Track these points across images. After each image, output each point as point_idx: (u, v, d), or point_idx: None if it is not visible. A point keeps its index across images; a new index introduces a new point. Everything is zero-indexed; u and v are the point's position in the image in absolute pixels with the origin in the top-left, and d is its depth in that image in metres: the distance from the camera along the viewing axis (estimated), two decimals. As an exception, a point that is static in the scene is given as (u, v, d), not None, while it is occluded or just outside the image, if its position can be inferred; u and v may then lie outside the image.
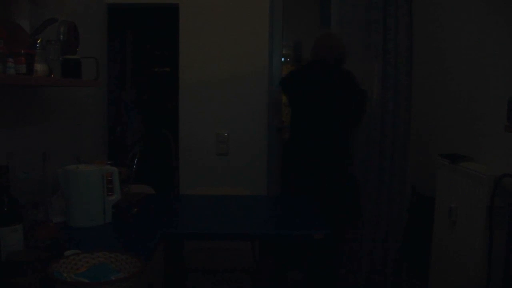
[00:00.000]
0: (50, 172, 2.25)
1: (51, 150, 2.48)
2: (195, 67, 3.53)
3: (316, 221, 2.40)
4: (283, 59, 3.90)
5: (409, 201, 3.49)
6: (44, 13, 2.35)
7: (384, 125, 3.66)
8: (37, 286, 1.46)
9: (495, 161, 2.46)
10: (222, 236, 2.40)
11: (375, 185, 3.70)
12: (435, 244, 2.90)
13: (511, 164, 2.27)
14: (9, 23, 1.91)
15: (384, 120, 3.65)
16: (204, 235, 2.36)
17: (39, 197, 2.23)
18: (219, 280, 3.45)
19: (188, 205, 2.83)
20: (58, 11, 2.52)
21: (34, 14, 2.25)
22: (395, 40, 3.62)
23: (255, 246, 3.04)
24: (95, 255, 1.62)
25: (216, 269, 3.06)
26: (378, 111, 3.64)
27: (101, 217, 2.20)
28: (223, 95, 3.56)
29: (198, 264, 3.02)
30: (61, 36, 2.41)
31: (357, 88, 3.35)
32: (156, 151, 4.33)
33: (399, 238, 3.66)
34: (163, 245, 2.63)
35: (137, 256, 1.61)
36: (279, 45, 3.66)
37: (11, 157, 1.97)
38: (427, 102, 3.46)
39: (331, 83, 3.25)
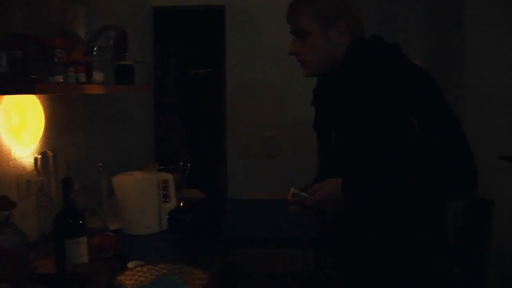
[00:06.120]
0: (103, 179, 2.24)
1: (104, 157, 2.48)
2: (243, 69, 3.49)
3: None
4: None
5: (464, 203, 3.37)
6: (93, 19, 2.35)
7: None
8: (104, 299, 1.44)
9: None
10: (278, 243, 2.35)
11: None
12: (494, 248, 2.80)
13: None
14: (66, 32, 1.90)
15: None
16: (260, 243, 2.32)
17: (94, 205, 2.24)
18: (269, 285, 3.40)
19: (239, 210, 2.79)
20: (107, 17, 2.51)
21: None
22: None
23: (308, 251, 2.97)
24: (159, 266, 1.60)
25: (266, 274, 3.02)
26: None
27: (157, 225, 2.18)
28: (271, 97, 3.51)
29: (249, 269, 2.99)
30: (111, 42, 2.40)
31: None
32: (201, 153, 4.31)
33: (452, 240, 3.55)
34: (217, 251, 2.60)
35: (200, 267, 1.58)
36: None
37: (69, 166, 1.97)
38: (480, 103, 3.36)
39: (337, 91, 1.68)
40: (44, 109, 2.02)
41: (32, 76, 1.46)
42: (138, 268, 1.57)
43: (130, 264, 1.64)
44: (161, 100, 5.34)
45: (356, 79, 1.59)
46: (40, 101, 1.97)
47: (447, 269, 1.62)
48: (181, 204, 2.36)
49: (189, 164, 2.50)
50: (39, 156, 1.94)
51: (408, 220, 1.56)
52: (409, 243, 1.57)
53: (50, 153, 1.96)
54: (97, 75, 1.91)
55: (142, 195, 2.14)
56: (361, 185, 1.47)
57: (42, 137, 2.02)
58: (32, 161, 1.93)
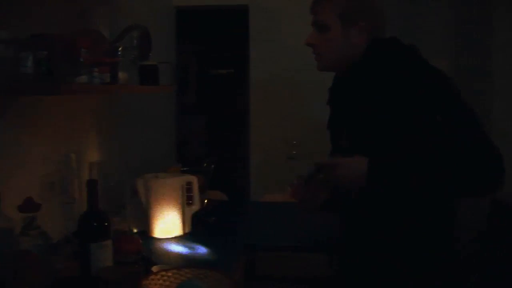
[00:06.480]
0: (127, 181, 2.22)
1: (127, 158, 2.46)
2: (266, 70, 3.46)
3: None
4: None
5: (488, 208, 3.30)
6: (117, 19, 2.33)
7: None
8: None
9: None
10: (303, 247, 2.31)
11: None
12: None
13: None
14: (91, 32, 1.88)
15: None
16: (284, 246, 2.29)
17: (118, 207, 2.22)
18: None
19: (262, 213, 2.75)
20: (130, 17, 2.49)
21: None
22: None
23: (333, 256, 2.93)
24: (184, 271, 1.57)
25: (290, 278, 2.98)
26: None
27: (180, 227, 2.15)
28: (294, 98, 3.47)
29: (272, 272, 2.95)
30: (134, 41, 2.37)
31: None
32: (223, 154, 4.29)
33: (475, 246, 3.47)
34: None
35: (225, 272, 1.55)
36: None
37: (93, 167, 1.95)
38: (509, 103, 3.28)
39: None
40: (67, 110, 2.00)
41: (57, 77, 1.44)
42: (163, 273, 1.54)
43: (154, 268, 1.61)
44: (182, 100, 5.34)
45: (371, 79, 1.57)
46: (63, 101, 1.95)
47: (452, 271, 1.58)
48: (205, 201, 2.35)
49: (212, 166, 2.47)
50: (63, 157, 1.92)
51: (414, 221, 1.53)
52: (414, 244, 1.54)
53: (73, 155, 1.94)
54: (122, 76, 1.88)
55: (166, 197, 2.12)
56: (389, 164, 1.44)
57: (65, 138, 2.01)
58: (55, 162, 1.91)
